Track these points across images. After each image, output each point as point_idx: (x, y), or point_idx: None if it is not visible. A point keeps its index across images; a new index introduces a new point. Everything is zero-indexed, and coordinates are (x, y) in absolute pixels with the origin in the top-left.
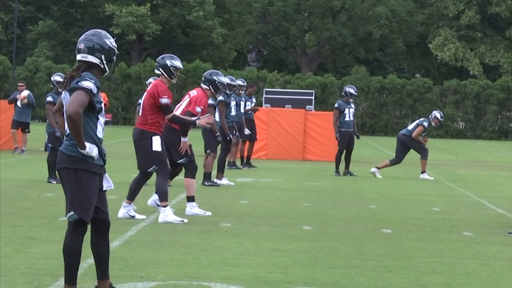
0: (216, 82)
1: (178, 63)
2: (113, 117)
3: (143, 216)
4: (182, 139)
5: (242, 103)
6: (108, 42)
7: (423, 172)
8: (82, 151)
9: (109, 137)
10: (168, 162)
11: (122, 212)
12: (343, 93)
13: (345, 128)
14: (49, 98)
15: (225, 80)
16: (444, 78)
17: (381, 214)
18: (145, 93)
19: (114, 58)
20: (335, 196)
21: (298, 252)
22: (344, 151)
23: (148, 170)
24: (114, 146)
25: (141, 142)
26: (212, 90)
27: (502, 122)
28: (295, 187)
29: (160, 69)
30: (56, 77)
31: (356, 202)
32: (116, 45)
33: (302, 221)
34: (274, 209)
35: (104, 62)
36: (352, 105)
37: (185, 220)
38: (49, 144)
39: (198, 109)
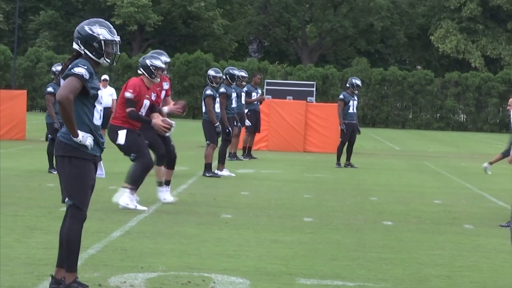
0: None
1: (158, 62)
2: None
3: (144, 208)
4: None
5: (243, 94)
6: (86, 28)
7: (491, 163)
8: (75, 139)
9: None
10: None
11: (123, 201)
12: (348, 85)
13: (348, 120)
14: (50, 89)
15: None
16: (445, 70)
17: (382, 206)
18: None
19: (96, 44)
20: (336, 188)
21: (299, 244)
22: (346, 143)
23: (130, 158)
24: None
25: (110, 137)
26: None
27: (503, 114)
28: (296, 179)
29: (141, 69)
30: (57, 67)
31: (357, 194)
32: (99, 33)
33: (302, 212)
34: (274, 201)
35: (82, 47)
36: (356, 97)
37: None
38: (49, 135)
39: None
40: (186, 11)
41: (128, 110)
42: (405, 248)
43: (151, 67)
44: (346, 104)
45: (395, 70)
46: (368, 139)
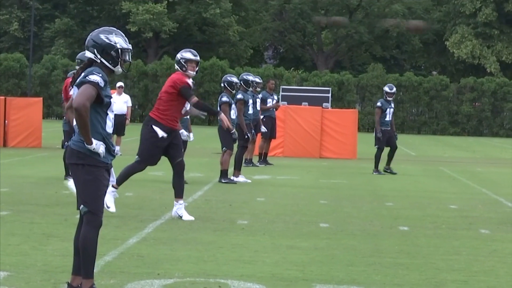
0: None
1: (188, 54)
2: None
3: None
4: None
5: (258, 100)
6: (103, 37)
7: None
8: (88, 146)
9: (125, 134)
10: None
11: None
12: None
13: (384, 127)
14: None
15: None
16: (461, 76)
17: (398, 212)
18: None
19: (113, 53)
20: (352, 194)
21: (315, 250)
22: (384, 148)
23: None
24: (131, 144)
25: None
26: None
27: None
28: (312, 185)
29: (176, 65)
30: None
31: (373, 199)
32: (116, 41)
33: (318, 218)
34: (290, 207)
35: (98, 55)
36: (392, 104)
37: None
38: (66, 142)
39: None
40: (201, 18)
41: (193, 99)
42: (421, 253)
43: (181, 60)
44: (383, 111)
45: (411, 76)
46: None
